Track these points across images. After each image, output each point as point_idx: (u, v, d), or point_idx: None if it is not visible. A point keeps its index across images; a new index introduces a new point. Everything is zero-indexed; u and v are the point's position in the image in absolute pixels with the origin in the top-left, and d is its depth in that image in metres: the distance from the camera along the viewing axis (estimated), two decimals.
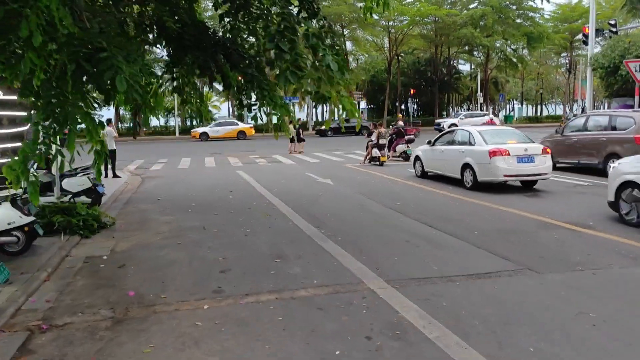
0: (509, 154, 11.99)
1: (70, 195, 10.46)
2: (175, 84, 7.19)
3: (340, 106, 4.86)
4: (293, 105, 59.41)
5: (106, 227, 8.97)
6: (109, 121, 17.01)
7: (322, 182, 14.66)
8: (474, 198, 11.24)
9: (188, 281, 5.87)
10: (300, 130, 26.45)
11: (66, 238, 7.95)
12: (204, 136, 40.14)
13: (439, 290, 5.42)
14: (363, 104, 68.68)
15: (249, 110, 6.40)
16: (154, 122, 56.82)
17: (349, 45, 54.32)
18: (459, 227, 8.48)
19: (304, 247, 7.30)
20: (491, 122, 34.78)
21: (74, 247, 7.62)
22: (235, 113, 48.11)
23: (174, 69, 6.85)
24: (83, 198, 10.49)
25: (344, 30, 50.76)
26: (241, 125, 41.21)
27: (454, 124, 38.80)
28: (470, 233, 8.02)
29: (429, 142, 15.13)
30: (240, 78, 7.01)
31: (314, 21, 7.73)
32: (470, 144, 13.00)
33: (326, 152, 25.70)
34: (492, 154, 12.02)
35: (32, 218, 6.93)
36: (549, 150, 12.67)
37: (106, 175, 16.56)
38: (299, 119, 32.62)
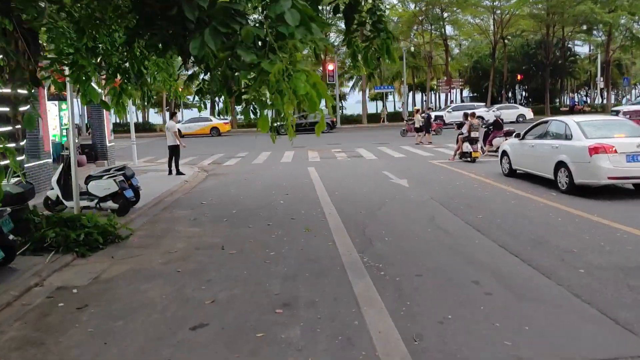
0: (615, 151, 9.41)
1: (96, 200, 9.33)
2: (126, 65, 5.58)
3: (291, 90, 2.78)
4: (385, 95, 56.87)
5: (118, 240, 7.61)
6: (173, 114, 16.03)
7: (396, 183, 12.51)
8: (580, 209, 8.58)
9: (137, 343, 4.16)
10: (430, 120, 24.50)
11: (55, 258, 6.63)
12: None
13: None
14: (465, 92, 64.49)
15: (238, 102, 4.62)
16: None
17: (449, 29, 50.75)
18: (557, 258, 6.05)
19: (328, 286, 5.34)
20: None
21: (57, 270, 6.26)
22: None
23: (127, 47, 5.18)
24: (110, 203, 9.32)
25: (443, 13, 47.33)
26: (215, 121, 38.72)
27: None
28: (573, 270, 5.60)
29: (517, 135, 12.56)
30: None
31: None
32: (566, 138, 10.45)
33: (415, 145, 23.27)
34: (593, 150, 9.49)
35: None
36: None
37: (170, 172, 15.67)
38: (430, 108, 30.42)
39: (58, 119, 18.09)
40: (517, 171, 12.58)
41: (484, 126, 18.79)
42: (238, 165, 18.71)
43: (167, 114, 54.73)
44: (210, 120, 38.67)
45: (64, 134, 18.22)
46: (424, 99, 61.09)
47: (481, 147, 18.05)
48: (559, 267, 5.75)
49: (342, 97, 66.94)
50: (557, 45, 52.20)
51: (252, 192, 12.01)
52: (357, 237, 7.36)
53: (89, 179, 9.43)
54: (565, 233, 7.24)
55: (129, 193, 9.38)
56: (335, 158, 19.54)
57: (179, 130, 16.49)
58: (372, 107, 68.14)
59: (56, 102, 17.79)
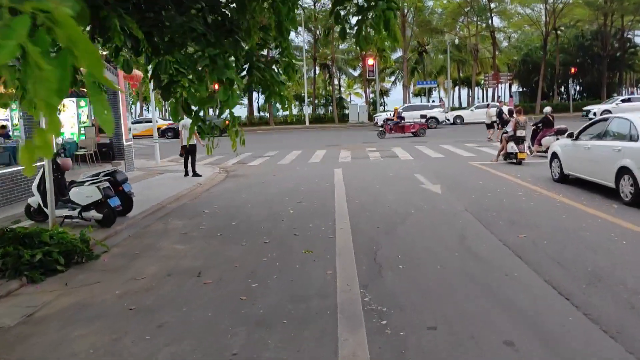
0: None
1: (78, 209, 8.27)
2: None
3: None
4: (429, 90, 54.68)
5: (86, 260, 6.50)
6: None
7: (428, 189, 10.99)
8: None
9: None
10: (503, 116, 22.49)
11: None
12: None
13: None
14: (514, 87, 61.47)
15: (165, 95, 3.33)
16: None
17: (496, 21, 48.18)
18: (624, 304, 4.48)
19: (305, 343, 3.98)
20: None
21: None
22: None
23: None
24: (93, 213, 8.23)
25: (491, 3, 44.85)
26: (160, 122, 35.89)
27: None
28: None
29: (570, 135, 10.78)
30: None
31: None
32: (631, 139, 8.72)
33: (455, 143, 21.54)
34: None
35: None
36: None
37: (186, 174, 14.65)
38: (501, 102, 28.22)
39: (76, 116, 17.42)
40: (570, 176, 10.84)
41: (532, 124, 16.91)
42: (263, 165, 17.55)
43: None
44: (157, 122, 36.97)
45: (82, 132, 17.54)
46: (470, 94, 58.50)
47: (529, 148, 16.24)
48: (628, 319, 4.19)
49: (384, 93, 65.15)
50: (615, 35, 48.76)
51: (263, 198, 10.76)
52: (365, 263, 5.96)
53: (71, 185, 8.40)
54: (633, 263, 5.61)
55: (115, 201, 8.26)
56: (367, 158, 18.09)
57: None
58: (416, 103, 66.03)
59: (74, 99, 17.11)
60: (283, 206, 9.77)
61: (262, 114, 61.18)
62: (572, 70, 46.13)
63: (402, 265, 5.85)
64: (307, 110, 45.01)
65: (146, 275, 5.91)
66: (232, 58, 3.84)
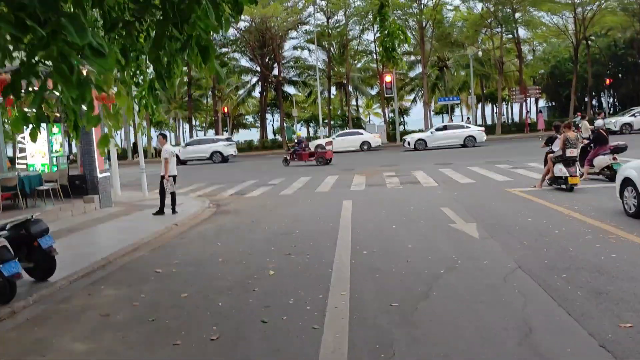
0: None
1: None
2: None
3: None
4: (451, 107, 51.78)
5: None
6: (163, 136, 12.58)
7: (460, 230, 8.30)
8: None
9: None
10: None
11: None
12: None
13: None
14: (542, 102, 58.25)
15: None
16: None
17: (521, 32, 45.34)
18: None
19: None
20: None
21: None
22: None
23: None
24: None
25: (515, 14, 42.08)
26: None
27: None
28: None
29: None
30: None
31: None
32: None
33: (484, 165, 18.74)
34: None
35: None
36: None
37: (173, 211, 12.11)
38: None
39: (47, 144, 15.17)
40: None
41: (581, 141, 14.06)
42: (262, 196, 15.02)
43: (215, 133, 52.12)
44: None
45: (55, 162, 15.29)
46: (495, 111, 55.47)
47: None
48: None
49: (404, 111, 62.54)
50: None
51: (242, 249, 8.18)
52: None
53: None
54: None
55: (11, 268, 5.73)
56: (384, 185, 15.44)
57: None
58: (438, 122, 63.10)
59: (44, 125, 14.89)
60: (263, 262, 7.16)
61: (276, 136, 59.05)
62: (607, 81, 42.90)
63: None
64: (323, 132, 42.56)
65: None
66: None
